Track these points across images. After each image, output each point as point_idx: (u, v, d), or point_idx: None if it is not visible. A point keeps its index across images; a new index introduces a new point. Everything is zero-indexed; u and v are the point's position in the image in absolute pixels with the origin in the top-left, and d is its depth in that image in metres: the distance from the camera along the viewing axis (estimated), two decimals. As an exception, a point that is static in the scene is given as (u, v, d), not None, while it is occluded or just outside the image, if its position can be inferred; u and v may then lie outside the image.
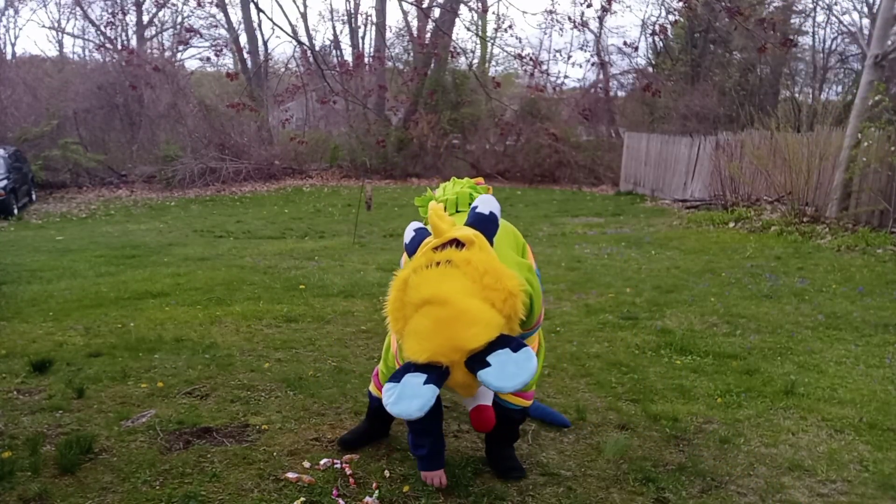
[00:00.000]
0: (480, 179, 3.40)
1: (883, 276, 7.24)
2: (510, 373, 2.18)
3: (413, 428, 2.80)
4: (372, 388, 3.19)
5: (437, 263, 2.36)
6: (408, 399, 2.20)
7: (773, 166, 11.86)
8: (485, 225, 2.60)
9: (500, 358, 2.20)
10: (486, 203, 2.69)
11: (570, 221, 13.18)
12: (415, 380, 2.23)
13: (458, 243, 2.42)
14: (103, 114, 20.01)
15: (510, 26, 24.91)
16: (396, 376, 2.27)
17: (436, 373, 2.23)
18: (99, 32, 24.54)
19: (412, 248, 2.65)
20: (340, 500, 2.66)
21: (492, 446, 3.03)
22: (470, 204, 2.89)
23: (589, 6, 7.99)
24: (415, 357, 2.27)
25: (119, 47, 19.42)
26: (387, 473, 2.90)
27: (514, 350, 2.21)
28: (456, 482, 2.83)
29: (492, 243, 2.54)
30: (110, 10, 22.14)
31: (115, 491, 2.69)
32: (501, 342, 2.24)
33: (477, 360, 2.21)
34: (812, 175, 10.79)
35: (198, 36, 22.35)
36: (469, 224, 2.59)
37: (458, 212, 2.98)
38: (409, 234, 2.78)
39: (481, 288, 2.32)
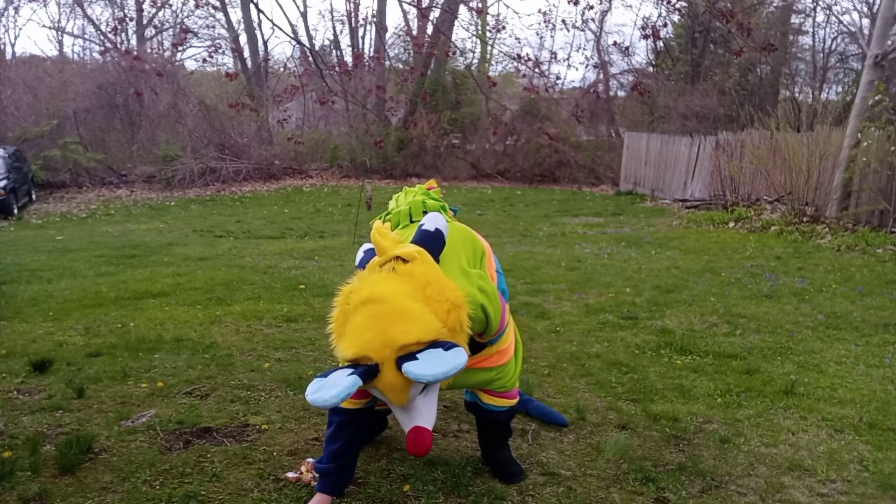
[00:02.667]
0: (433, 184, 3.40)
1: (883, 276, 7.24)
2: (433, 364, 2.19)
3: (337, 437, 2.64)
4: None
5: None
6: (327, 388, 2.19)
7: (773, 166, 11.86)
8: (430, 241, 2.62)
9: (429, 354, 2.22)
10: (433, 220, 2.71)
11: (570, 221, 13.18)
12: (341, 372, 2.24)
13: (401, 260, 2.45)
14: (103, 114, 20.00)
15: (503, 27, 24.91)
16: (325, 373, 2.29)
17: (363, 368, 2.24)
18: (100, 33, 24.55)
19: (363, 267, 2.67)
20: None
21: (487, 449, 3.02)
22: (424, 213, 2.92)
23: (591, 8, 8.01)
24: (345, 354, 2.29)
25: (122, 49, 19.39)
26: (387, 473, 2.91)
27: (446, 350, 2.25)
28: (456, 482, 2.83)
29: (437, 259, 2.56)
30: (116, 17, 22.15)
31: (115, 491, 2.69)
32: (434, 345, 2.27)
33: (406, 356, 2.22)
34: (812, 175, 10.79)
35: (195, 37, 22.35)
36: (415, 241, 2.61)
37: (412, 222, 2.95)
38: (359, 255, 2.80)
39: (423, 298, 2.35)
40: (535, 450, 3.18)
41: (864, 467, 3.09)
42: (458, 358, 2.22)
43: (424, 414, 2.36)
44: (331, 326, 2.49)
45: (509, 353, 2.87)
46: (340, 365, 2.35)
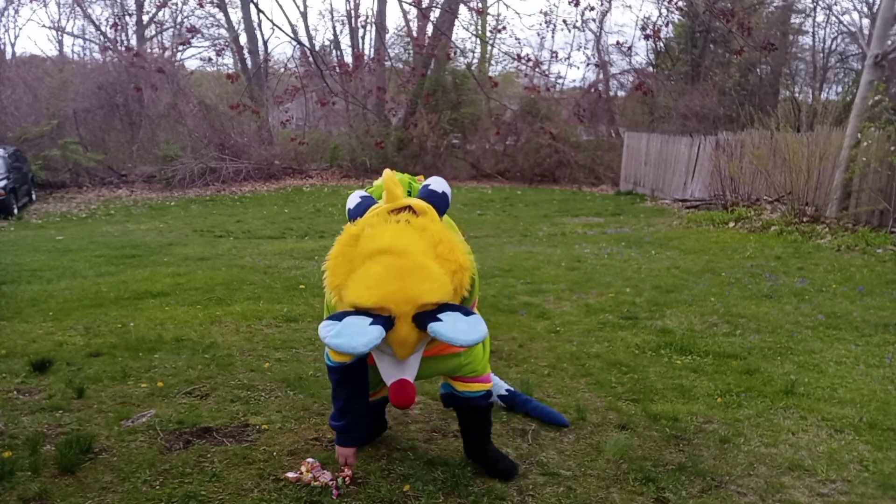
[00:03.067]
0: (421, 177, 3.43)
1: (883, 276, 7.24)
2: (462, 329, 2.21)
3: (339, 393, 2.70)
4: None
5: (397, 222, 2.41)
6: (351, 335, 2.19)
7: (773, 166, 11.86)
8: (436, 200, 2.64)
9: (452, 316, 2.24)
10: (439, 183, 2.74)
11: (570, 221, 13.18)
12: (359, 320, 2.23)
13: (412, 210, 2.44)
14: (103, 114, 19.99)
15: (503, 28, 24.92)
16: (337, 316, 2.27)
17: (383, 319, 2.24)
18: (100, 33, 24.54)
19: (357, 214, 2.67)
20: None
21: (472, 446, 3.00)
22: (409, 193, 2.92)
23: (592, 9, 8.01)
24: (361, 301, 2.27)
25: (122, 48, 19.39)
26: (387, 473, 2.91)
27: (465, 315, 2.28)
28: (456, 482, 2.83)
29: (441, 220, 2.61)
30: (116, 14, 22.15)
31: (115, 491, 2.69)
32: (450, 307, 2.29)
33: (427, 315, 2.23)
34: (812, 175, 10.79)
35: (199, 35, 22.35)
36: (421, 198, 2.61)
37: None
38: (353, 200, 2.81)
39: (435, 255, 2.35)
40: (535, 450, 3.18)
41: (864, 467, 3.09)
42: (481, 325, 2.25)
43: (412, 367, 2.41)
44: (326, 265, 2.48)
45: None
46: (348, 309, 2.34)
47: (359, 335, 2.18)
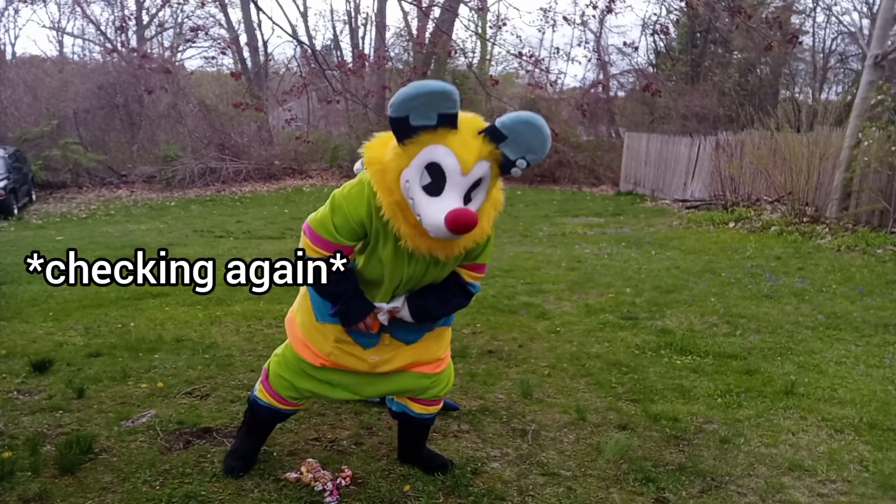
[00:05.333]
0: None
1: (883, 276, 7.24)
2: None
3: (323, 290, 2.56)
4: (260, 391, 2.84)
5: None
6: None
7: (773, 166, 11.86)
8: None
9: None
10: None
11: (570, 221, 13.18)
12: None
13: None
14: (103, 114, 19.99)
15: (503, 24, 24.94)
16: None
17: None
18: (100, 33, 24.55)
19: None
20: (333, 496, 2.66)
21: (410, 449, 2.98)
22: None
23: (595, 7, 7.98)
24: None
25: (129, 48, 19.40)
26: (387, 473, 2.91)
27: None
28: (456, 482, 2.82)
29: None
30: (118, 16, 22.16)
31: (115, 491, 2.69)
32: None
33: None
34: (812, 175, 10.79)
35: (203, 34, 22.34)
36: None
37: None
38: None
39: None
40: (535, 450, 3.18)
41: (864, 467, 3.09)
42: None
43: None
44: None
45: (447, 361, 2.88)
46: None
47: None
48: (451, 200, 2.22)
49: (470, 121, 2.30)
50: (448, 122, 2.21)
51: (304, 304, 2.76)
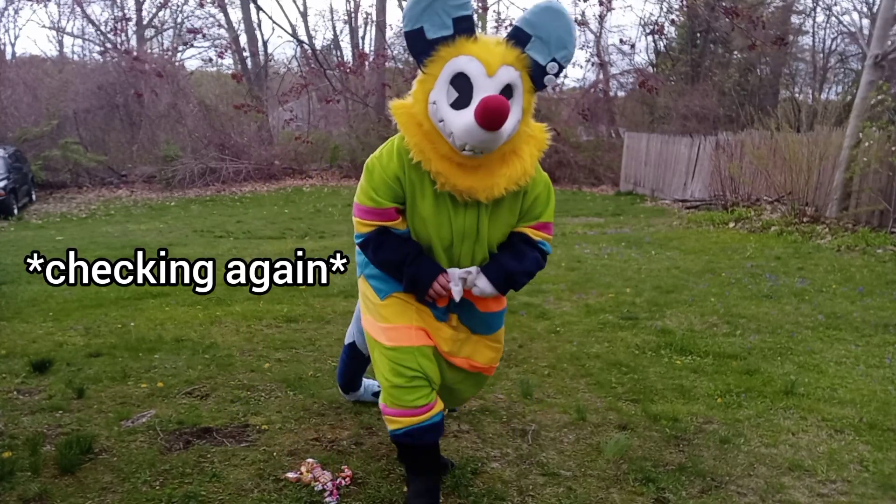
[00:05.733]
0: None
1: (883, 276, 7.24)
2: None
3: (383, 259, 2.43)
4: (389, 422, 2.50)
5: None
6: None
7: (773, 166, 11.86)
8: None
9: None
10: None
11: (570, 221, 13.18)
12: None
13: None
14: (103, 114, 20.00)
15: (504, 24, 24.94)
16: None
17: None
18: (99, 33, 24.55)
19: None
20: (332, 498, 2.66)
21: None
22: None
23: (601, 4, 7.96)
24: None
25: (122, 50, 19.41)
26: (387, 473, 2.90)
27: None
28: (456, 482, 2.82)
29: None
30: (116, 17, 22.15)
31: (115, 491, 2.69)
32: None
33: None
34: (812, 175, 10.79)
35: (203, 37, 22.35)
36: None
37: None
38: None
39: None
40: (535, 450, 3.18)
41: (864, 467, 3.09)
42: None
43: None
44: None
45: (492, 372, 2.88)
46: None
47: None
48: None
49: (491, 38, 2.23)
50: (465, 28, 2.14)
51: (366, 304, 2.59)
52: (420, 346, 2.43)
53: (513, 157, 2.29)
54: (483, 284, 2.42)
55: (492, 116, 2.03)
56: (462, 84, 2.13)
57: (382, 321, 2.48)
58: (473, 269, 2.43)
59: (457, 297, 2.41)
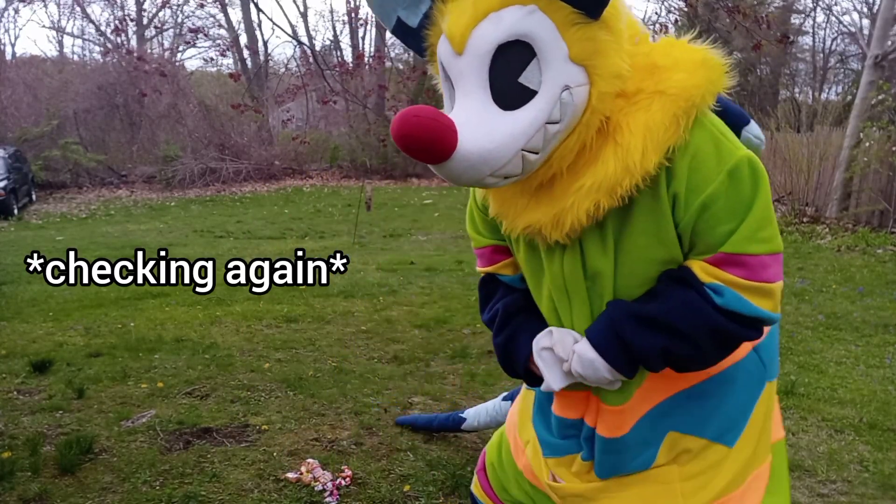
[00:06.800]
0: None
1: (883, 276, 7.24)
2: None
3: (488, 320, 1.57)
4: (475, 486, 2.00)
5: None
6: None
7: (773, 166, 11.85)
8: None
9: None
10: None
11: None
12: None
13: None
14: (103, 114, 20.02)
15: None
16: None
17: None
18: (100, 34, 24.58)
19: None
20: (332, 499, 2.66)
21: None
22: None
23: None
24: None
25: (123, 50, 19.43)
26: (387, 473, 2.90)
27: None
28: (456, 482, 2.82)
29: None
30: (117, 17, 22.20)
31: (115, 491, 2.69)
32: None
33: None
34: (812, 175, 10.80)
35: (202, 36, 22.36)
36: None
37: None
38: None
39: None
40: (535, 450, 3.18)
41: (864, 468, 3.09)
42: None
43: None
44: None
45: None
46: None
47: None
48: (457, 107, 1.25)
49: None
50: None
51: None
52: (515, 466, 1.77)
53: (604, 146, 1.24)
54: (582, 349, 1.35)
55: (403, 136, 1.15)
56: (446, 78, 1.35)
57: (517, 409, 1.82)
58: (569, 332, 1.41)
59: (555, 385, 1.40)
